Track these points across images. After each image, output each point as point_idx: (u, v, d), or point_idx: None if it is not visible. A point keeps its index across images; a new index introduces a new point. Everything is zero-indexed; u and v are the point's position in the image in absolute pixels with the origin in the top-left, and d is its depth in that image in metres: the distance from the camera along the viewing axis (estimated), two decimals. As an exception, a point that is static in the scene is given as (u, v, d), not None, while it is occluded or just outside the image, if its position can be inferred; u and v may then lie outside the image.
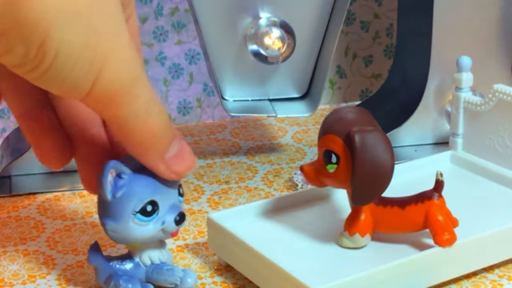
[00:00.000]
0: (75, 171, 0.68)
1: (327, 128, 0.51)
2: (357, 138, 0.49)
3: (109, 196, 0.48)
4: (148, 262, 0.51)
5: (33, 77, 0.42)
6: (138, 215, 0.48)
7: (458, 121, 0.64)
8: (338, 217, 0.56)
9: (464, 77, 0.63)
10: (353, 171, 0.49)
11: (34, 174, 0.68)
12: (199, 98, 0.84)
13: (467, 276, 0.53)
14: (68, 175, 0.68)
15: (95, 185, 0.49)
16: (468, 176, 0.62)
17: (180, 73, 0.83)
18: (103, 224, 0.49)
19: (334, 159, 0.50)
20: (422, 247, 0.52)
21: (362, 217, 0.52)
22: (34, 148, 0.50)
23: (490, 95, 0.61)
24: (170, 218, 0.49)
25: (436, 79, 0.70)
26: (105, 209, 0.49)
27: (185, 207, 0.63)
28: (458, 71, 0.63)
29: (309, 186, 0.61)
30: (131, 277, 0.51)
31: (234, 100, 0.70)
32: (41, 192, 0.66)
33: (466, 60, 0.63)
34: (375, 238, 0.53)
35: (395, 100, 0.76)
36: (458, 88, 0.63)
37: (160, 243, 0.51)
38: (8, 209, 0.64)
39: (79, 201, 0.65)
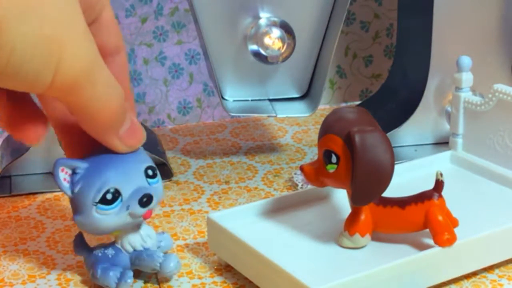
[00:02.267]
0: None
1: (327, 128, 0.51)
2: (357, 138, 0.49)
3: (68, 193, 0.49)
4: (130, 249, 0.52)
5: None
6: (99, 205, 0.49)
7: (458, 121, 0.64)
8: (338, 217, 0.56)
9: (464, 77, 0.63)
10: (353, 171, 0.49)
11: (34, 174, 0.68)
12: (199, 98, 0.84)
13: (467, 276, 0.53)
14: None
15: None
16: (468, 176, 0.62)
17: (180, 73, 0.83)
18: (73, 220, 0.50)
19: (334, 159, 0.50)
20: (422, 247, 0.52)
21: (362, 217, 0.52)
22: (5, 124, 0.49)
23: (490, 95, 0.61)
24: (135, 201, 0.49)
25: (436, 79, 0.70)
26: (72, 205, 0.50)
27: (185, 207, 0.63)
28: (458, 71, 0.63)
29: (309, 186, 0.61)
30: (114, 264, 0.52)
31: (234, 100, 0.70)
32: (41, 192, 0.66)
33: (466, 60, 0.63)
34: (375, 238, 0.53)
35: (395, 100, 0.76)
36: (458, 88, 0.63)
37: (139, 228, 0.52)
38: (8, 209, 0.64)
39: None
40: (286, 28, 0.67)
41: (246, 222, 0.55)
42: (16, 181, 0.67)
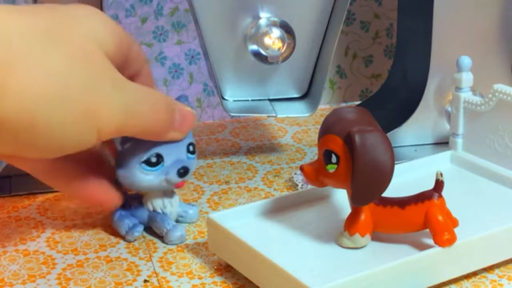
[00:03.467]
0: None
1: (327, 128, 0.51)
2: (357, 138, 0.49)
3: (118, 147, 0.55)
4: (150, 208, 0.58)
5: (39, 155, 0.46)
6: (144, 164, 0.55)
7: (458, 121, 0.64)
8: (338, 217, 0.56)
9: (464, 77, 0.63)
10: (353, 171, 0.49)
11: (34, 174, 0.68)
12: (199, 98, 0.84)
13: (467, 276, 0.53)
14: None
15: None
16: (468, 176, 0.62)
17: (180, 73, 0.83)
18: (115, 173, 0.56)
19: (334, 159, 0.50)
20: (422, 247, 0.52)
21: (362, 217, 0.52)
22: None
23: (490, 95, 0.61)
24: (174, 170, 0.56)
25: (436, 79, 0.70)
26: (117, 159, 0.56)
27: (182, 202, 0.63)
28: (458, 71, 0.63)
29: (309, 186, 0.61)
30: (132, 215, 0.59)
31: (234, 100, 0.70)
32: (41, 192, 0.66)
33: (466, 60, 0.63)
34: (375, 238, 0.53)
35: (395, 100, 0.76)
36: (458, 88, 0.63)
37: (165, 194, 0.58)
38: (8, 209, 0.64)
39: (79, 201, 0.65)
40: (286, 28, 0.67)
41: (246, 222, 0.55)
42: (16, 181, 0.67)
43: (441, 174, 0.52)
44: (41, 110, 0.42)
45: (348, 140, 0.49)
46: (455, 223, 0.53)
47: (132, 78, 0.52)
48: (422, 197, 0.52)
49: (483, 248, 0.52)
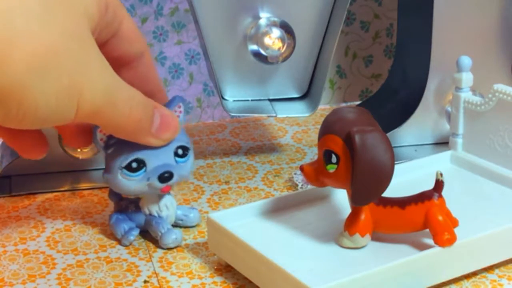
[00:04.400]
0: (75, 171, 0.68)
1: (327, 128, 0.51)
2: (357, 138, 0.49)
3: (103, 151, 0.56)
4: (146, 212, 0.58)
5: (21, 127, 0.45)
6: (124, 170, 0.55)
7: (458, 121, 0.64)
8: (338, 217, 0.56)
9: (464, 77, 0.63)
10: (353, 171, 0.49)
11: (34, 174, 0.68)
12: (199, 98, 0.84)
13: (467, 276, 0.53)
14: (68, 175, 0.68)
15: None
16: (468, 176, 0.62)
17: (180, 73, 0.83)
18: (102, 175, 0.56)
19: (334, 159, 0.50)
20: (422, 247, 0.52)
21: (362, 217, 0.52)
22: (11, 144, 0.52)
23: (490, 95, 0.61)
24: (156, 175, 0.55)
25: (436, 79, 0.70)
26: (105, 163, 0.56)
27: (184, 205, 0.63)
28: (458, 71, 0.63)
29: (309, 186, 0.61)
30: (129, 218, 0.59)
31: (234, 100, 0.70)
32: (41, 192, 0.66)
33: (466, 60, 0.63)
34: (375, 238, 0.53)
35: (395, 100, 0.76)
36: (458, 88, 0.63)
37: (161, 197, 0.57)
38: (8, 209, 0.64)
39: (79, 201, 0.65)
40: (286, 28, 0.67)
41: (246, 222, 0.55)
42: (16, 181, 0.67)
43: (441, 174, 0.52)
44: (30, 82, 0.42)
45: (348, 140, 0.49)
46: (455, 223, 0.53)
47: (109, 40, 0.50)
48: (422, 197, 0.52)
49: (483, 248, 0.52)
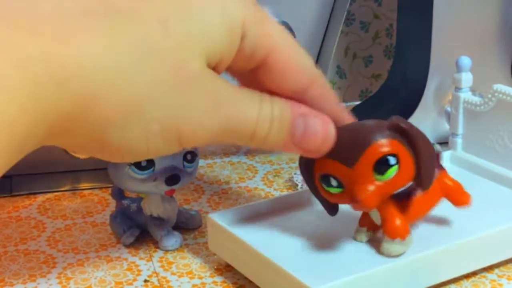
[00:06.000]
0: (76, 171, 0.68)
1: (361, 143, 0.48)
2: (406, 125, 0.48)
3: None
4: (147, 212, 0.58)
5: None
6: (133, 167, 0.54)
7: (457, 121, 0.64)
8: (338, 217, 0.56)
9: (464, 77, 0.63)
10: (419, 157, 0.48)
11: (34, 174, 0.68)
12: (199, 98, 0.84)
13: (467, 276, 0.53)
14: (68, 175, 0.68)
15: None
16: (467, 176, 0.62)
17: (180, 73, 0.83)
18: (107, 168, 0.56)
19: (392, 160, 0.48)
20: (422, 247, 0.52)
21: (400, 216, 0.51)
22: None
23: (489, 95, 0.61)
24: (163, 177, 0.55)
25: (436, 79, 0.70)
26: None
27: (185, 207, 0.63)
28: (458, 71, 0.63)
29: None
30: (131, 218, 0.58)
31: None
32: (41, 192, 0.66)
33: (465, 60, 0.63)
34: (375, 238, 0.53)
35: (395, 100, 0.76)
36: (457, 88, 0.64)
37: (163, 199, 0.57)
38: (9, 209, 0.64)
39: (79, 201, 0.65)
40: (286, 28, 0.67)
41: (246, 222, 0.55)
42: (16, 181, 0.67)
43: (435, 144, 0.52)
44: (110, 134, 0.38)
45: (401, 132, 0.48)
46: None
47: (254, 71, 0.44)
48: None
49: (483, 248, 0.52)
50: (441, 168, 0.53)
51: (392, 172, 0.47)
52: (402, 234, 0.51)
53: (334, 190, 0.48)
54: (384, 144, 0.47)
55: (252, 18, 0.41)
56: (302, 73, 0.44)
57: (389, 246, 0.51)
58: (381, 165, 0.47)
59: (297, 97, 0.44)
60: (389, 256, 0.51)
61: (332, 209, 0.52)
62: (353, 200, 0.47)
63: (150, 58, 0.38)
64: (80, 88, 0.35)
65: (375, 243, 0.53)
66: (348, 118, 0.48)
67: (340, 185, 0.48)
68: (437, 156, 0.52)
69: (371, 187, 0.47)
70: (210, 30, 0.39)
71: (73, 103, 0.36)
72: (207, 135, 0.41)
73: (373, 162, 0.47)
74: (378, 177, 0.47)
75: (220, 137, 0.42)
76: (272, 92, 0.44)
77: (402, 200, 0.51)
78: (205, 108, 0.40)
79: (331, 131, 0.45)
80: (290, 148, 0.45)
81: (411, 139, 0.48)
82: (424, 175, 0.49)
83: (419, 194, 0.51)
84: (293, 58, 0.44)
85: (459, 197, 0.53)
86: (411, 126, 0.48)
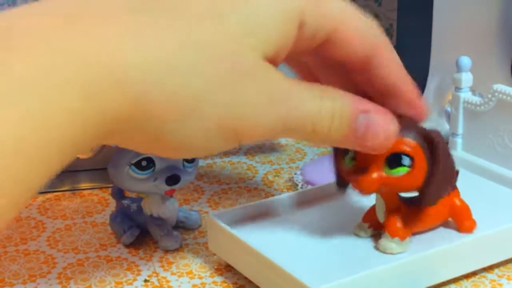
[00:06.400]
0: (75, 171, 0.68)
1: None
2: (437, 138, 0.48)
3: (113, 145, 0.55)
4: (148, 212, 0.58)
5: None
6: (133, 167, 0.55)
7: (457, 121, 0.64)
8: (338, 217, 0.56)
9: (464, 77, 0.63)
10: (434, 170, 0.48)
11: (35, 174, 0.68)
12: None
13: (467, 276, 0.53)
14: (68, 175, 0.68)
15: None
16: (467, 176, 0.62)
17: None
18: (107, 168, 0.56)
19: (406, 161, 0.48)
20: (422, 247, 0.52)
21: (403, 219, 0.51)
22: None
23: (489, 95, 0.61)
24: (163, 177, 0.55)
25: (436, 79, 0.70)
26: (112, 156, 0.56)
27: (185, 207, 0.63)
28: (458, 71, 0.63)
29: (309, 186, 0.61)
30: (131, 218, 0.58)
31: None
32: (42, 192, 0.66)
33: (465, 60, 0.63)
34: (375, 238, 0.53)
35: (395, 100, 0.76)
36: (457, 88, 0.64)
37: (163, 198, 0.57)
38: (9, 208, 0.64)
39: (79, 200, 0.65)
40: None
41: (246, 222, 0.55)
42: (17, 181, 0.67)
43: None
44: (166, 132, 0.38)
45: (429, 141, 0.48)
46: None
47: (319, 47, 0.43)
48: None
49: (483, 248, 0.52)
50: (455, 187, 0.53)
51: (401, 171, 0.48)
52: (402, 235, 0.51)
53: (348, 164, 0.49)
54: (405, 142, 0.48)
55: (310, 3, 0.40)
56: (364, 43, 0.44)
57: (386, 243, 0.51)
58: (393, 160, 0.48)
59: (362, 66, 0.44)
60: (384, 252, 0.51)
61: (342, 184, 0.51)
62: (354, 178, 0.48)
63: (205, 55, 0.37)
64: (135, 88, 0.35)
65: (375, 243, 0.53)
66: (412, 89, 0.47)
67: (354, 159, 0.48)
68: (455, 175, 0.52)
69: (375, 175, 0.48)
70: (266, 22, 0.39)
71: (128, 103, 0.35)
72: (265, 132, 0.40)
73: (388, 154, 0.48)
74: (387, 169, 0.48)
75: (279, 133, 0.41)
76: (338, 65, 0.44)
77: (412, 207, 0.51)
78: (263, 105, 0.39)
79: (393, 128, 0.45)
80: (350, 144, 0.44)
81: (434, 150, 0.48)
82: (431, 190, 0.49)
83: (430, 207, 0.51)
84: (355, 31, 0.43)
85: (464, 221, 0.53)
86: (440, 139, 0.48)
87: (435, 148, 0.48)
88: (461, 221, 0.53)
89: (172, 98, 0.37)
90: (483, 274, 0.54)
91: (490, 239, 0.52)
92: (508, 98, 0.60)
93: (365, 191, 0.49)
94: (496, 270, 0.54)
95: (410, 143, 0.48)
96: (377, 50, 0.45)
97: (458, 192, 0.53)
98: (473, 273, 0.53)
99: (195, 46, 0.37)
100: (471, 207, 0.57)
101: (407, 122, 0.47)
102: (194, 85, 0.37)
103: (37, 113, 0.32)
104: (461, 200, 0.53)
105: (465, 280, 0.53)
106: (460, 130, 0.64)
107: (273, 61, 0.40)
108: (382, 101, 0.46)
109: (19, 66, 0.32)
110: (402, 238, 0.51)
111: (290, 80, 0.40)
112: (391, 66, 0.46)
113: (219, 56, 0.38)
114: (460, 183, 0.61)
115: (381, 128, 0.44)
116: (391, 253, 0.51)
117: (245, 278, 0.53)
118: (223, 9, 0.38)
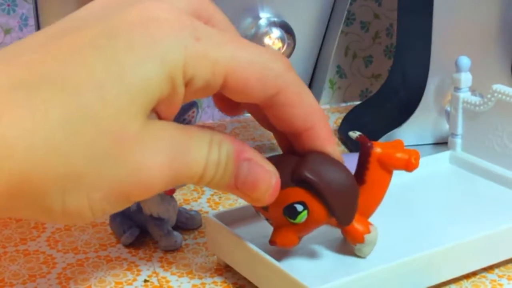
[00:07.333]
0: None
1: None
2: (312, 177, 0.46)
3: None
4: (147, 212, 0.58)
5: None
6: None
7: (457, 121, 0.64)
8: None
9: (463, 77, 0.63)
10: (327, 206, 0.47)
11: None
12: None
13: (467, 276, 0.53)
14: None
15: None
16: (467, 176, 0.62)
17: (180, 73, 0.83)
18: None
19: (300, 207, 0.47)
20: (422, 247, 0.52)
21: (355, 224, 0.50)
22: None
23: (489, 95, 0.61)
24: None
25: (436, 79, 0.70)
26: None
27: (185, 207, 0.63)
28: (457, 71, 0.63)
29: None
30: (131, 218, 0.59)
31: (234, 100, 0.70)
32: (42, 192, 0.66)
33: (465, 60, 0.63)
34: (374, 238, 0.53)
35: (395, 100, 0.76)
36: (457, 88, 0.64)
37: (163, 199, 0.57)
38: (9, 209, 0.64)
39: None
40: (286, 28, 0.67)
41: (246, 222, 0.55)
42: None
43: (354, 132, 0.50)
44: (50, 199, 0.38)
45: (303, 183, 0.47)
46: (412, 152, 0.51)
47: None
48: (365, 158, 0.50)
49: (483, 248, 0.52)
50: (372, 144, 0.50)
51: (303, 216, 0.47)
52: (360, 238, 0.50)
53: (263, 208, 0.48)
54: (289, 193, 0.47)
55: (195, 55, 0.39)
56: (258, 87, 0.42)
57: (358, 251, 0.51)
58: (290, 212, 0.47)
59: (266, 107, 0.44)
60: (362, 256, 0.51)
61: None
62: (273, 238, 0.49)
63: (87, 130, 0.37)
64: (13, 170, 0.35)
65: (375, 243, 0.53)
66: (323, 126, 0.46)
67: (266, 210, 0.48)
68: (363, 139, 0.50)
69: (288, 232, 0.48)
70: (148, 84, 0.38)
71: (7, 183, 0.35)
72: (158, 188, 0.40)
73: (282, 208, 0.47)
74: (292, 221, 0.48)
75: (169, 185, 0.41)
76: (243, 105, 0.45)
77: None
78: (153, 166, 0.39)
79: (273, 182, 0.44)
80: (235, 192, 0.44)
81: (315, 189, 0.47)
82: (339, 215, 0.48)
83: (363, 184, 0.50)
84: (248, 76, 0.42)
85: (409, 159, 0.50)
86: (315, 174, 0.46)
87: (313, 187, 0.47)
88: (396, 159, 0.50)
89: (51, 175, 0.37)
90: (483, 274, 0.54)
91: (490, 239, 0.52)
92: (508, 98, 0.60)
93: (289, 246, 0.49)
94: (496, 270, 0.54)
95: (293, 192, 0.47)
96: (278, 90, 0.43)
97: (379, 150, 0.50)
98: (473, 273, 0.53)
99: (75, 123, 0.36)
100: (470, 207, 0.57)
101: (284, 173, 0.46)
102: (75, 163, 0.37)
103: None
104: (381, 145, 0.50)
105: (465, 280, 0.53)
106: (459, 130, 0.64)
107: (162, 116, 0.40)
108: (296, 139, 0.46)
109: None
110: (362, 241, 0.50)
111: (178, 131, 0.40)
112: (295, 104, 0.45)
113: (102, 129, 0.37)
114: (460, 183, 0.61)
115: (260, 179, 0.44)
116: (369, 253, 0.51)
117: (245, 278, 0.53)
118: (101, 79, 0.37)
